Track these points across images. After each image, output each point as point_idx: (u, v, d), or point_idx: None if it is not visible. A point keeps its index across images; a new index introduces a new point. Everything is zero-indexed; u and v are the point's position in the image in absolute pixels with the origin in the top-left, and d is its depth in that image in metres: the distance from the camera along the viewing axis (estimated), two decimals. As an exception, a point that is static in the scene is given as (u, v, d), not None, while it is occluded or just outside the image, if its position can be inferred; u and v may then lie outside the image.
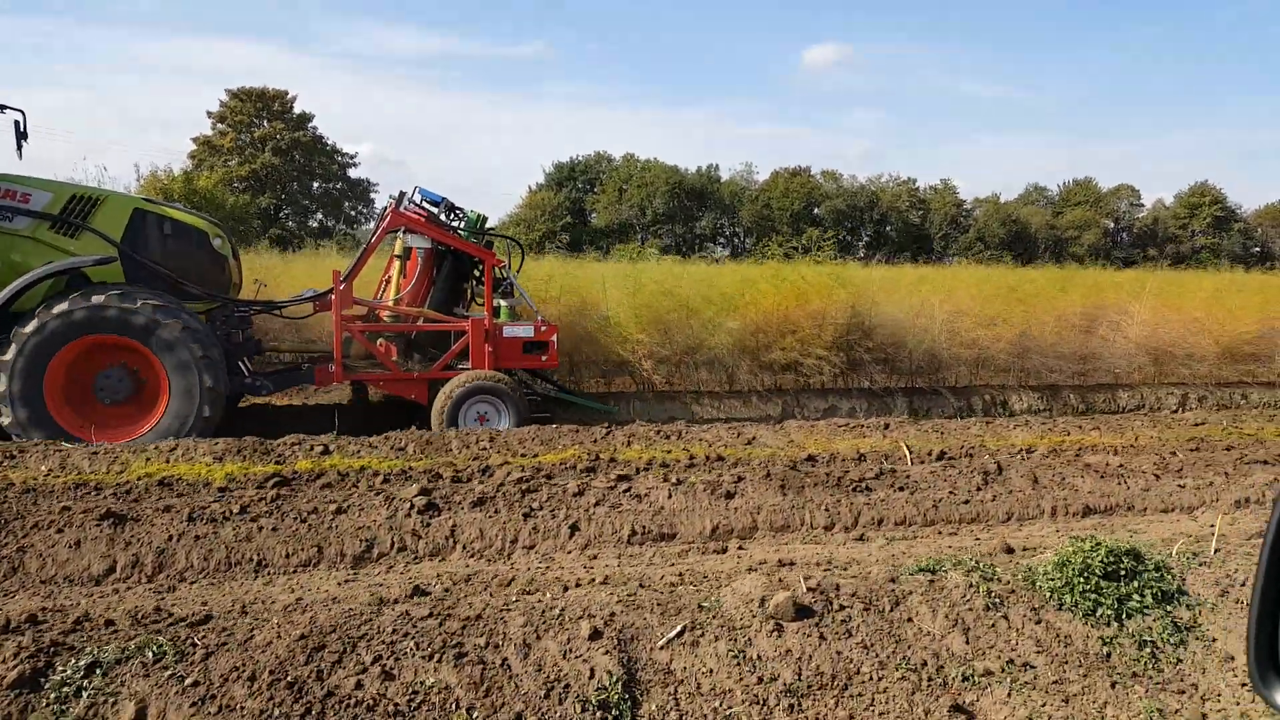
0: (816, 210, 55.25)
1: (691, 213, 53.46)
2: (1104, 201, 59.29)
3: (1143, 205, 61.39)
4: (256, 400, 8.46)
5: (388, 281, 7.93)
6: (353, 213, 51.63)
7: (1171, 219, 58.69)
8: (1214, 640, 3.26)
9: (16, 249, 6.51)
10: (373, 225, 7.62)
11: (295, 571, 4.05)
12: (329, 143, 48.92)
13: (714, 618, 3.10)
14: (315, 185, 49.54)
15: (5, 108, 6.71)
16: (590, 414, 8.28)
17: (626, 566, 4.03)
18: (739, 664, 2.91)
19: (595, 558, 4.28)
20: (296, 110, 47.17)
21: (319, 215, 49.50)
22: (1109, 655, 3.15)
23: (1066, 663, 3.10)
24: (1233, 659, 3.16)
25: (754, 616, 3.10)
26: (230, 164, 43.62)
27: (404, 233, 7.61)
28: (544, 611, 3.07)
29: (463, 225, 7.80)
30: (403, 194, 7.56)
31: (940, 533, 4.86)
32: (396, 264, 7.78)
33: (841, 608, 3.18)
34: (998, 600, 3.31)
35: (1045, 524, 5.07)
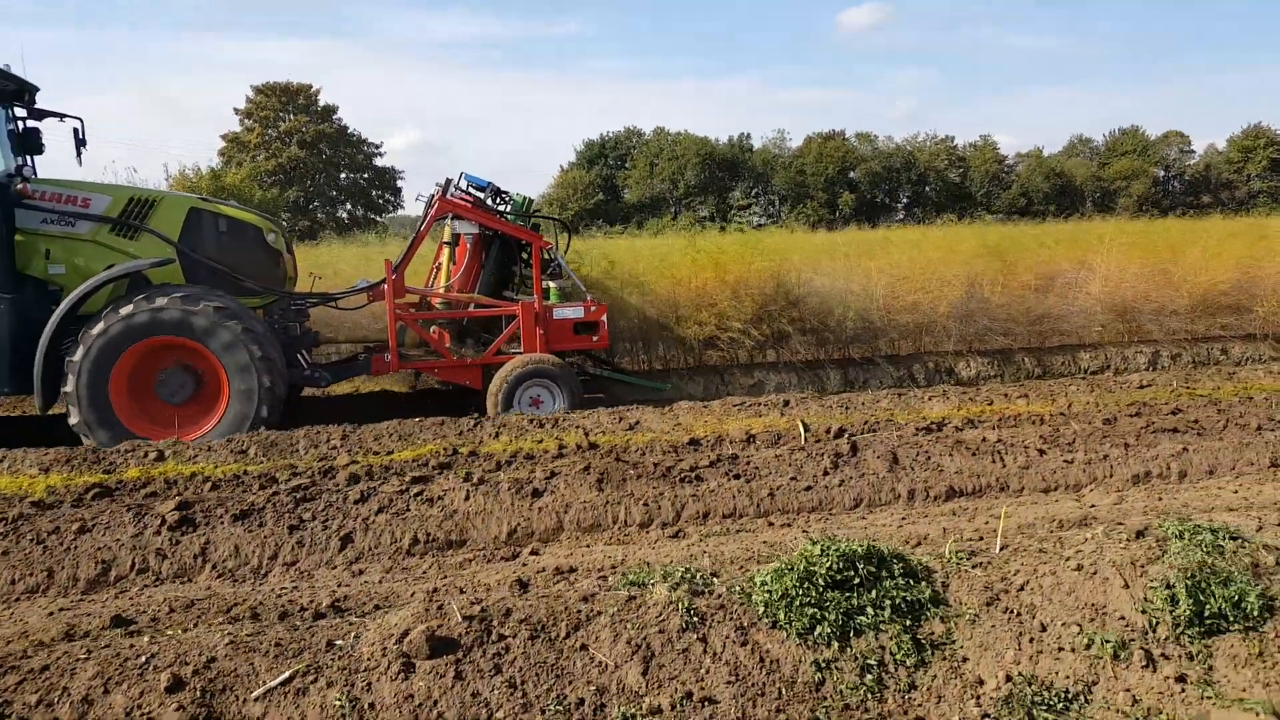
0: (852, 174, 54.43)
1: (724, 183, 53.04)
2: (1152, 150, 57.43)
3: (1193, 152, 59.36)
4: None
5: (438, 268, 8.05)
6: (380, 200, 52.36)
7: (1225, 164, 56.68)
8: (964, 660, 2.75)
9: (79, 253, 6.74)
10: (421, 213, 7.70)
11: (19, 599, 3.75)
12: (355, 133, 49.48)
13: (340, 658, 2.67)
14: (343, 176, 50.21)
15: (64, 116, 6.91)
16: (643, 392, 8.35)
17: (391, 582, 3.70)
18: (344, 715, 2.50)
19: (361, 573, 3.95)
20: (322, 102, 47.79)
21: (347, 205, 50.16)
22: (821, 683, 2.67)
23: (763, 695, 2.62)
24: (983, 682, 2.67)
25: (385, 655, 2.66)
26: (258, 159, 44.44)
27: (452, 219, 7.70)
28: (125, 660, 2.64)
29: (509, 209, 7.87)
30: (449, 180, 7.65)
31: (772, 524, 4.47)
32: (445, 250, 7.89)
33: (501, 637, 2.74)
34: (698, 619, 2.82)
35: (900, 510, 4.70)
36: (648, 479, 4.85)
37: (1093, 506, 4.49)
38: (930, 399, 7.03)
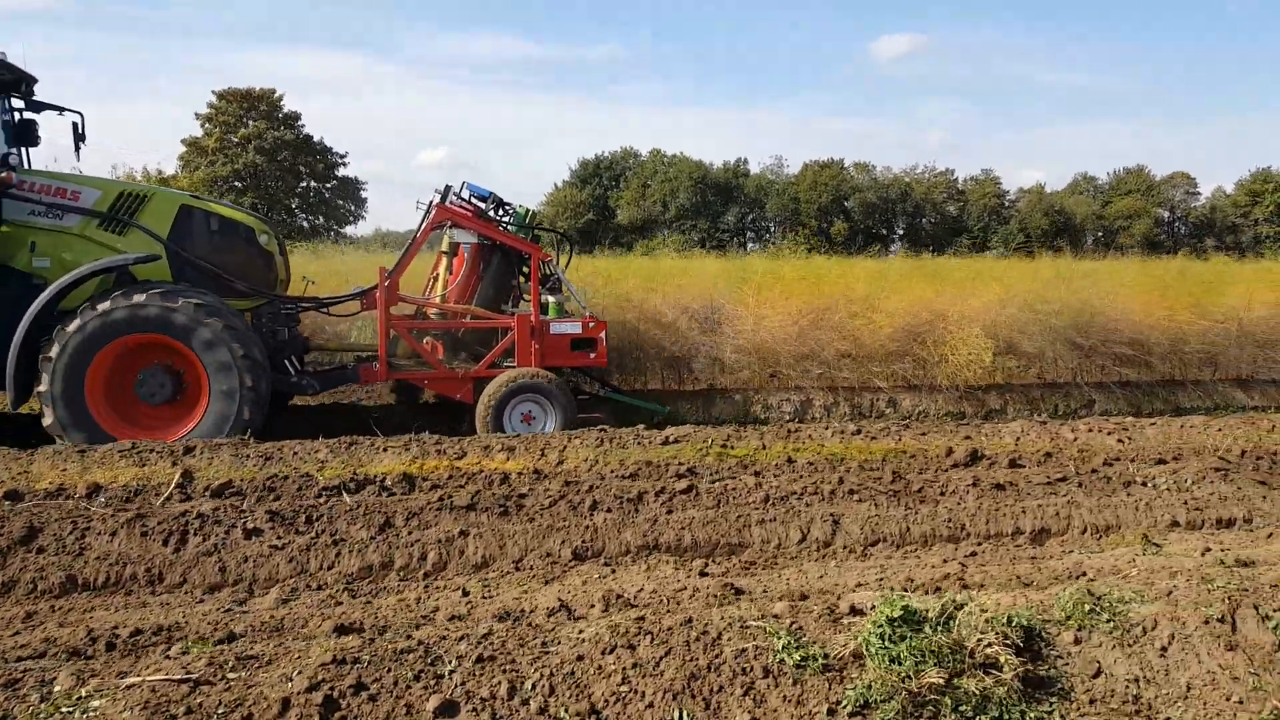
0: (847, 202, 55.68)
1: (716, 207, 54.05)
2: (1156, 190, 59.45)
3: (1199, 193, 61.56)
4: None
5: (435, 278, 8.36)
6: (344, 211, 52.75)
7: (1231, 207, 58.78)
8: None
9: (68, 247, 6.95)
10: (419, 220, 8.03)
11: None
12: (319, 142, 50.05)
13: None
14: (303, 185, 50.60)
15: (64, 109, 7.19)
16: (642, 414, 8.67)
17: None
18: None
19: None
20: (286, 109, 48.42)
21: (302, 215, 50.50)
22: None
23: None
24: None
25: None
26: (215, 164, 44.74)
27: (450, 227, 8.03)
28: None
29: (510, 220, 8.23)
30: (449, 188, 7.98)
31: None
32: (443, 260, 8.21)
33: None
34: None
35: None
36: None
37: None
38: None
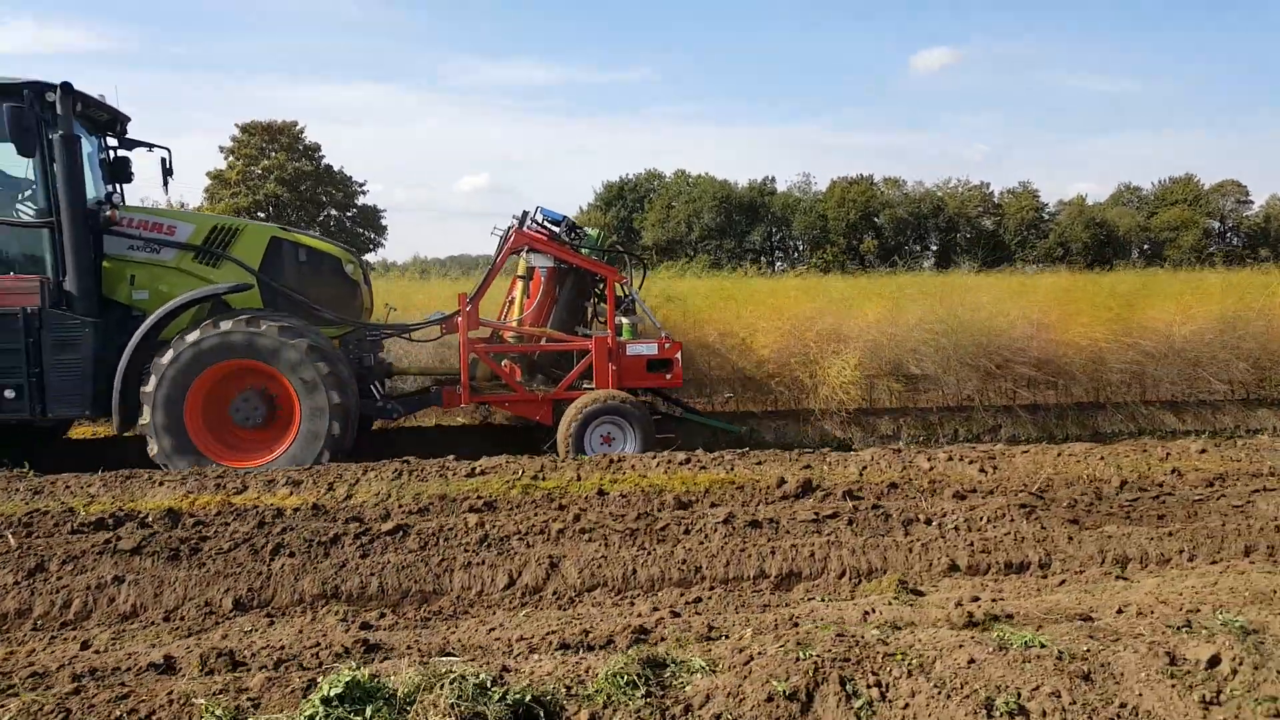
0: (876, 219, 56.08)
1: (742, 227, 54.67)
2: (1205, 199, 59.29)
3: (1251, 202, 61.28)
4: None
5: (511, 302, 8.75)
6: (364, 239, 54.06)
7: (1286, 216, 58.56)
8: None
9: (163, 279, 7.42)
10: (495, 247, 8.44)
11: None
12: (339, 171, 51.54)
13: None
14: (324, 214, 51.99)
15: (152, 146, 7.71)
16: (718, 435, 8.97)
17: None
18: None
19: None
20: (307, 140, 50.02)
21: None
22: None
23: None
24: None
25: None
26: (237, 195, 46.17)
27: (527, 252, 8.43)
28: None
29: (584, 243, 8.62)
30: (525, 214, 8.38)
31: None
32: (519, 284, 8.61)
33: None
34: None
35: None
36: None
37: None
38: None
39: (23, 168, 7.17)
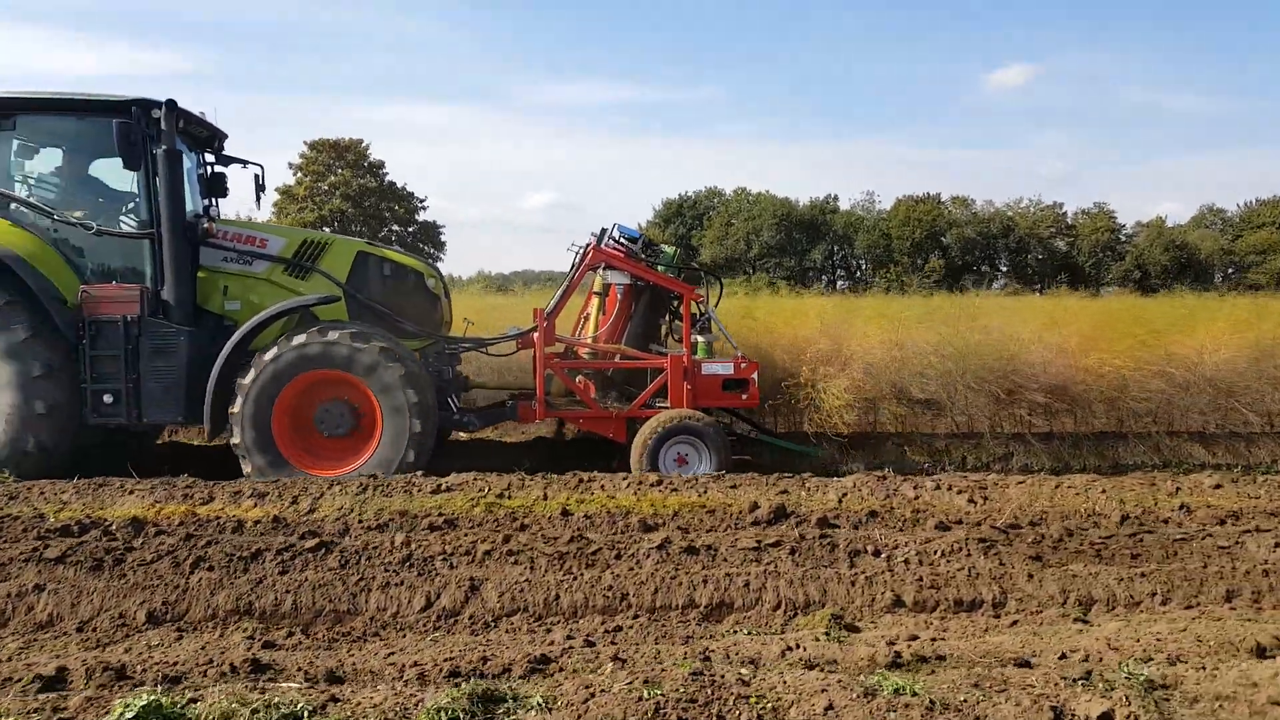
0: (944, 238, 55.32)
1: (802, 245, 54.46)
2: (1293, 222, 57.20)
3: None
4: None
5: (586, 318, 8.88)
6: (425, 253, 55.55)
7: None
8: None
9: (254, 290, 7.73)
10: (572, 263, 8.60)
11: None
12: (402, 188, 53.11)
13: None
14: (386, 230, 53.51)
15: (247, 162, 8.06)
16: (793, 457, 8.92)
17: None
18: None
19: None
20: (372, 157, 51.76)
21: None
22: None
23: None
24: None
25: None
26: (304, 211, 47.85)
27: (604, 269, 8.55)
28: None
29: (660, 260, 8.71)
30: (604, 230, 8.51)
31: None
32: (595, 300, 8.74)
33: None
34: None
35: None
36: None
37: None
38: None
39: (126, 181, 7.56)
